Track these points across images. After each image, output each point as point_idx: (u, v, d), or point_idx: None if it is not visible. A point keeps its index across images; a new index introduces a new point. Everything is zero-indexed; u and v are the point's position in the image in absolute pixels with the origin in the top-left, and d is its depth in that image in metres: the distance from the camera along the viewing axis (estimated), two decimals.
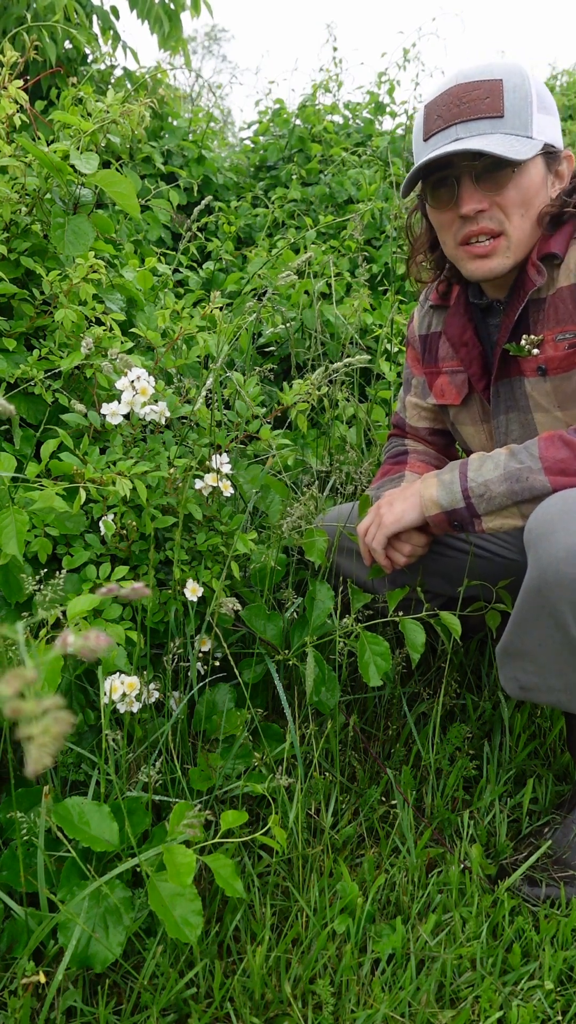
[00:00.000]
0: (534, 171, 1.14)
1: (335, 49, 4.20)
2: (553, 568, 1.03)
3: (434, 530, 1.23)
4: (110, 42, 3.33)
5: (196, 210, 1.65)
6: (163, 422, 1.25)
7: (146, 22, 3.35)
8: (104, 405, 1.19)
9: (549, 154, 1.16)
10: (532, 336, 1.20)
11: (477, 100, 1.12)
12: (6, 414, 0.76)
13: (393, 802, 1.35)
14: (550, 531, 1.04)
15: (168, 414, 1.26)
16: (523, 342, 1.20)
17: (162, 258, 2.30)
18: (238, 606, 1.22)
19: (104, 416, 1.19)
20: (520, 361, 1.23)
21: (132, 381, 1.18)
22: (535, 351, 1.20)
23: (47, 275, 1.30)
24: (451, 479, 1.19)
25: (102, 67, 3.34)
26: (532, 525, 1.07)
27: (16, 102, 1.35)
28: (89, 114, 1.37)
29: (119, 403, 1.19)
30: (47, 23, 1.53)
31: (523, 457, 1.13)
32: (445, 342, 1.37)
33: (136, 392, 1.18)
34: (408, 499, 1.24)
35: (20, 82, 1.36)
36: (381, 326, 2.29)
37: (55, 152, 1.26)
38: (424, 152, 1.17)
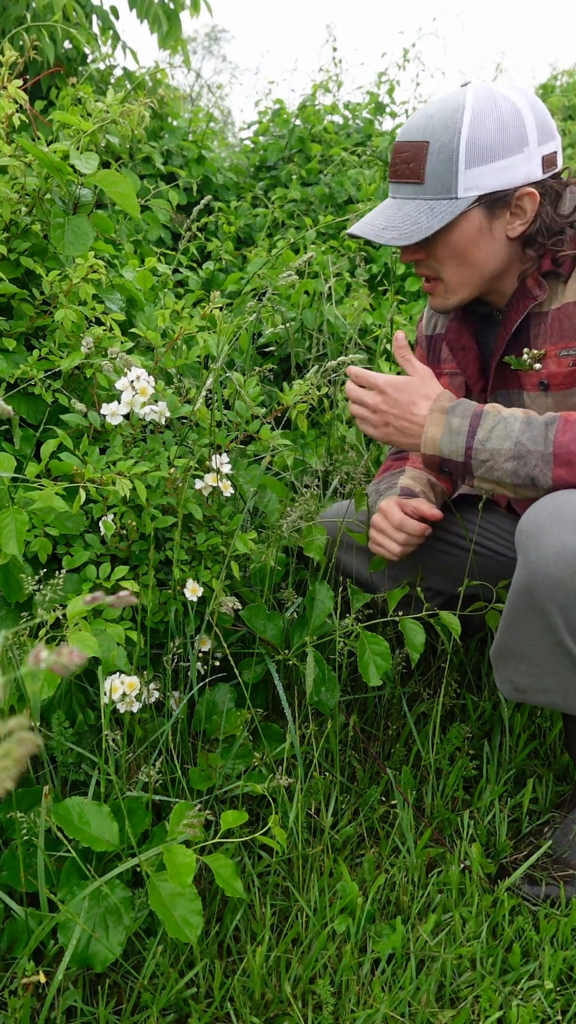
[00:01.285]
0: (466, 224, 1.15)
1: (335, 49, 4.20)
2: (542, 570, 1.04)
3: (423, 462, 1.20)
4: (109, 42, 3.33)
5: (195, 210, 1.65)
6: (163, 422, 1.25)
7: (145, 21, 3.35)
8: (104, 405, 1.19)
9: (496, 200, 1.14)
10: (533, 350, 1.20)
11: (403, 163, 1.16)
12: (4, 415, 0.77)
13: (393, 802, 1.35)
14: (539, 533, 1.04)
15: (168, 414, 1.26)
16: (525, 356, 1.20)
17: (162, 258, 2.30)
18: (237, 605, 1.22)
19: (104, 416, 1.19)
20: (521, 375, 1.23)
21: (132, 381, 1.19)
22: (537, 366, 1.20)
23: (47, 275, 1.30)
24: (459, 428, 1.14)
25: (101, 67, 3.34)
26: (522, 526, 1.08)
27: (15, 102, 1.35)
28: (89, 114, 1.37)
29: (119, 403, 1.19)
30: (46, 23, 1.53)
31: (538, 436, 1.09)
32: (447, 345, 1.38)
33: (136, 392, 1.18)
34: (417, 414, 1.18)
35: (19, 82, 1.36)
36: (381, 326, 2.29)
37: (55, 152, 1.26)
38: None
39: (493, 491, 1.15)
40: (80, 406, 1.22)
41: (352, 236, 1.21)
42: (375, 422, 1.21)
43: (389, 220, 1.17)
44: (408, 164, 1.15)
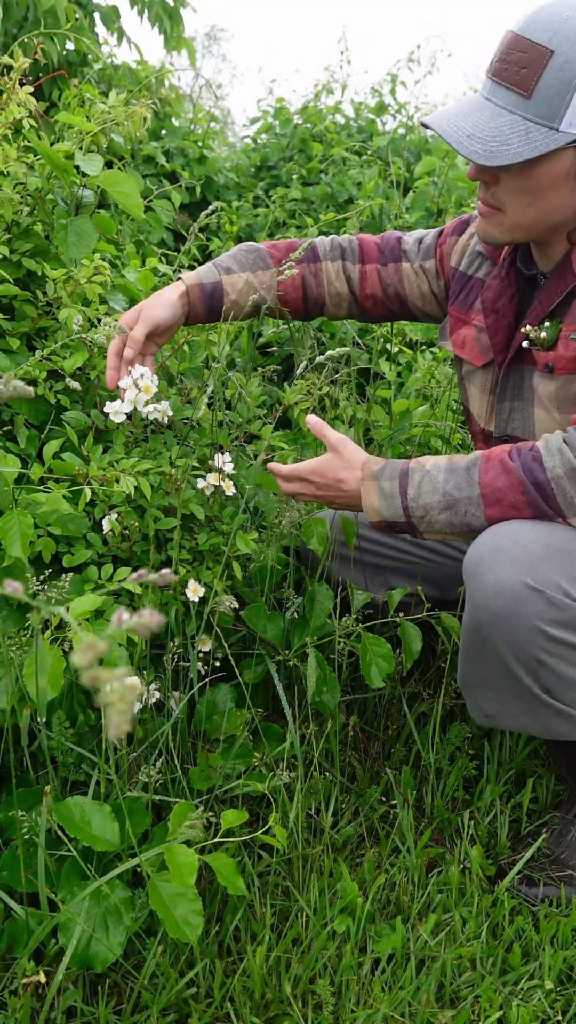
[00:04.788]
0: (555, 163, 1.03)
1: (344, 51, 4.18)
2: (484, 606, 1.04)
3: (374, 529, 1.21)
4: (115, 35, 3.32)
5: (203, 215, 1.65)
6: (165, 422, 1.25)
7: (147, 22, 3.35)
8: (107, 403, 1.19)
9: None
10: (546, 323, 1.14)
11: (514, 64, 1.00)
12: (26, 395, 0.77)
13: (393, 802, 1.35)
14: (479, 571, 1.05)
15: (171, 414, 1.26)
16: (537, 329, 1.15)
17: (163, 258, 2.30)
18: (236, 604, 1.22)
19: (107, 415, 1.20)
20: (535, 353, 1.17)
21: (135, 380, 1.19)
22: (544, 337, 1.14)
23: (52, 275, 1.30)
24: (391, 491, 1.13)
25: (102, 67, 3.33)
26: (466, 564, 1.08)
27: (23, 105, 1.34)
28: (92, 114, 1.37)
29: (121, 402, 1.19)
30: (54, 32, 1.53)
31: (462, 482, 1.09)
32: (482, 301, 1.28)
33: (139, 390, 1.19)
34: (348, 488, 1.16)
35: (30, 88, 1.36)
36: (381, 325, 2.29)
37: (58, 152, 1.27)
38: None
39: (445, 540, 1.15)
40: (75, 383, 1.22)
41: (427, 126, 1.06)
42: (314, 500, 1.22)
43: (476, 128, 1.02)
44: (519, 69, 1.00)
